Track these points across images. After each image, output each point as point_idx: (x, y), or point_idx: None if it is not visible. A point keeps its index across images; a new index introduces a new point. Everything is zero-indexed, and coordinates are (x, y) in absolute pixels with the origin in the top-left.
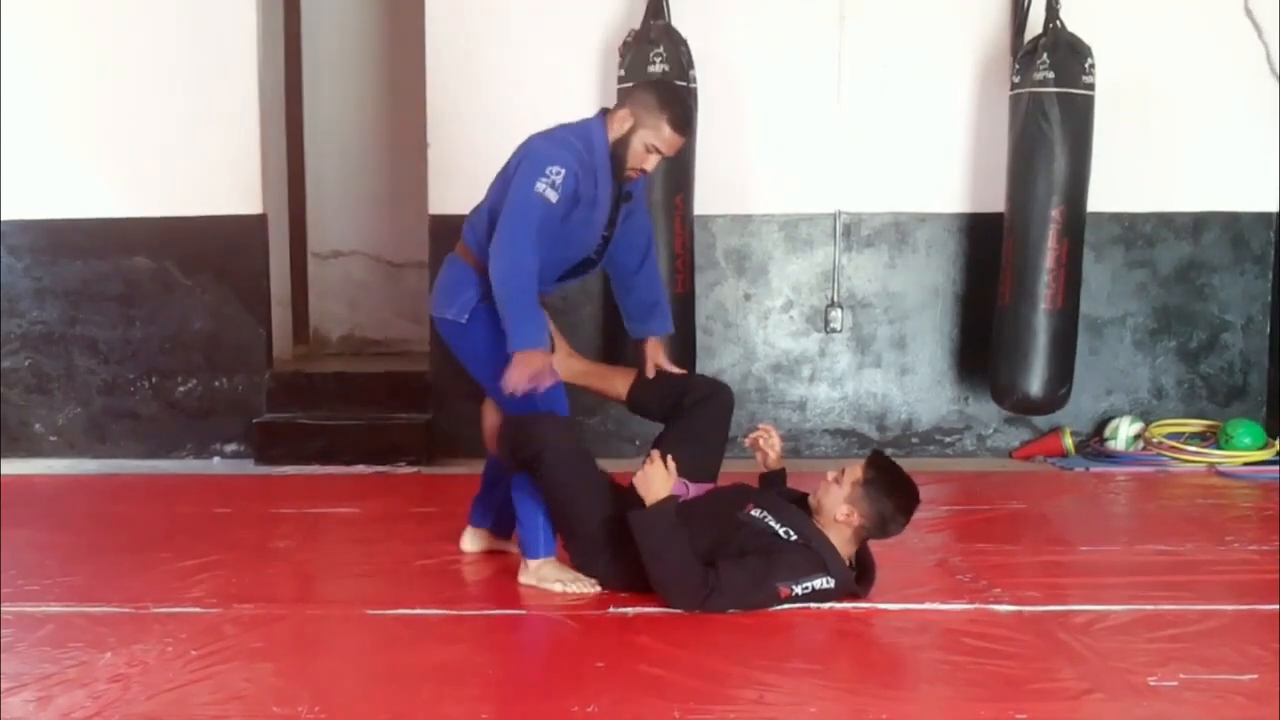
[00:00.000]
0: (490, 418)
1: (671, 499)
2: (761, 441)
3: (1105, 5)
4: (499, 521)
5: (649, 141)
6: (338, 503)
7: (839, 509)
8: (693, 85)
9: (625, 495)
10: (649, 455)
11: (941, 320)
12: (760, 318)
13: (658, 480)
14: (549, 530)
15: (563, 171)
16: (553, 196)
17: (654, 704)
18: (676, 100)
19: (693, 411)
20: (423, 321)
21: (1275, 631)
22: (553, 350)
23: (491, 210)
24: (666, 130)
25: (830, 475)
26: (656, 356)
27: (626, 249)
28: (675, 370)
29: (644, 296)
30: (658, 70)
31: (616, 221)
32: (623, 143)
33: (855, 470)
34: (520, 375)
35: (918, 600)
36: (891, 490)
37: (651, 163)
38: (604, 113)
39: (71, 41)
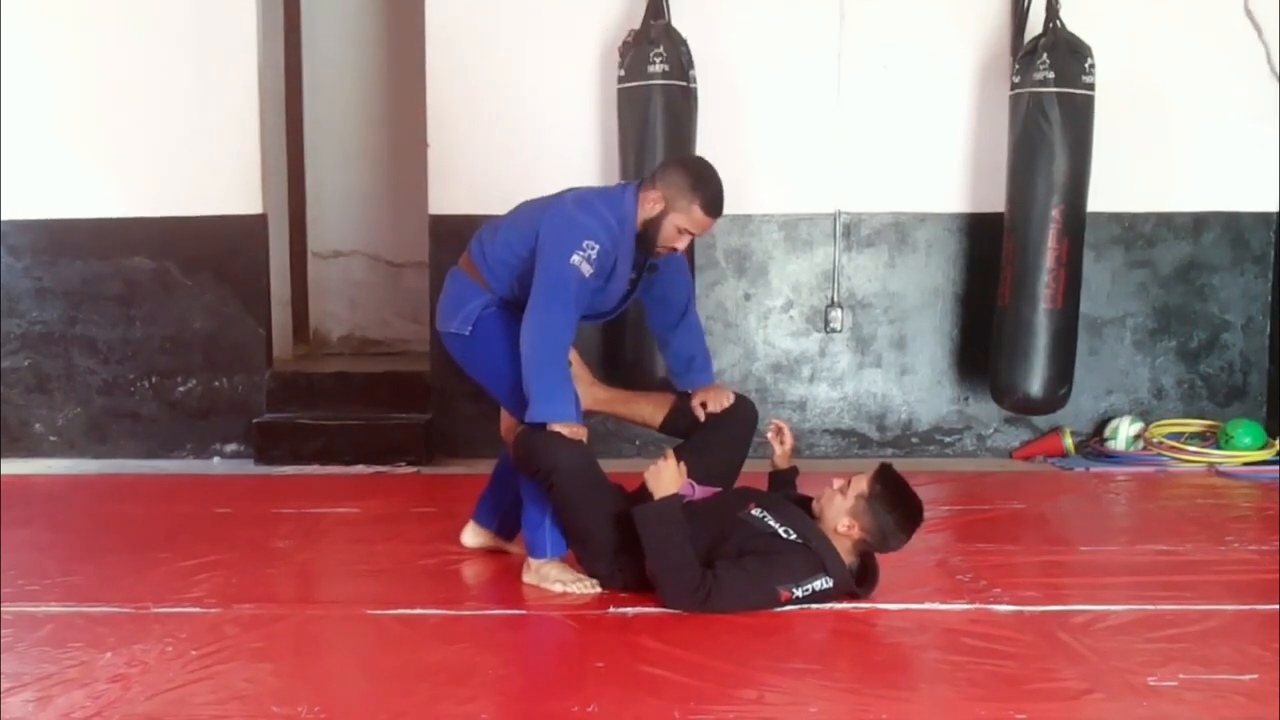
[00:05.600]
0: (509, 417)
1: (677, 496)
2: (770, 435)
3: (1105, 5)
4: (504, 523)
5: (680, 225)
6: (338, 503)
7: (840, 520)
8: (693, 85)
9: (635, 499)
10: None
11: (941, 320)
12: (760, 318)
13: (667, 476)
14: (555, 533)
15: (598, 247)
16: (587, 270)
17: (654, 704)
18: (709, 181)
19: (715, 423)
20: (423, 321)
21: (1275, 631)
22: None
23: (509, 241)
24: (698, 214)
25: (836, 484)
26: (718, 402)
27: (663, 307)
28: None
29: (681, 351)
30: (658, 70)
31: (635, 289)
32: (654, 224)
33: (861, 482)
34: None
35: (918, 600)
36: (895, 506)
37: (683, 243)
38: (637, 186)
39: (72, 42)
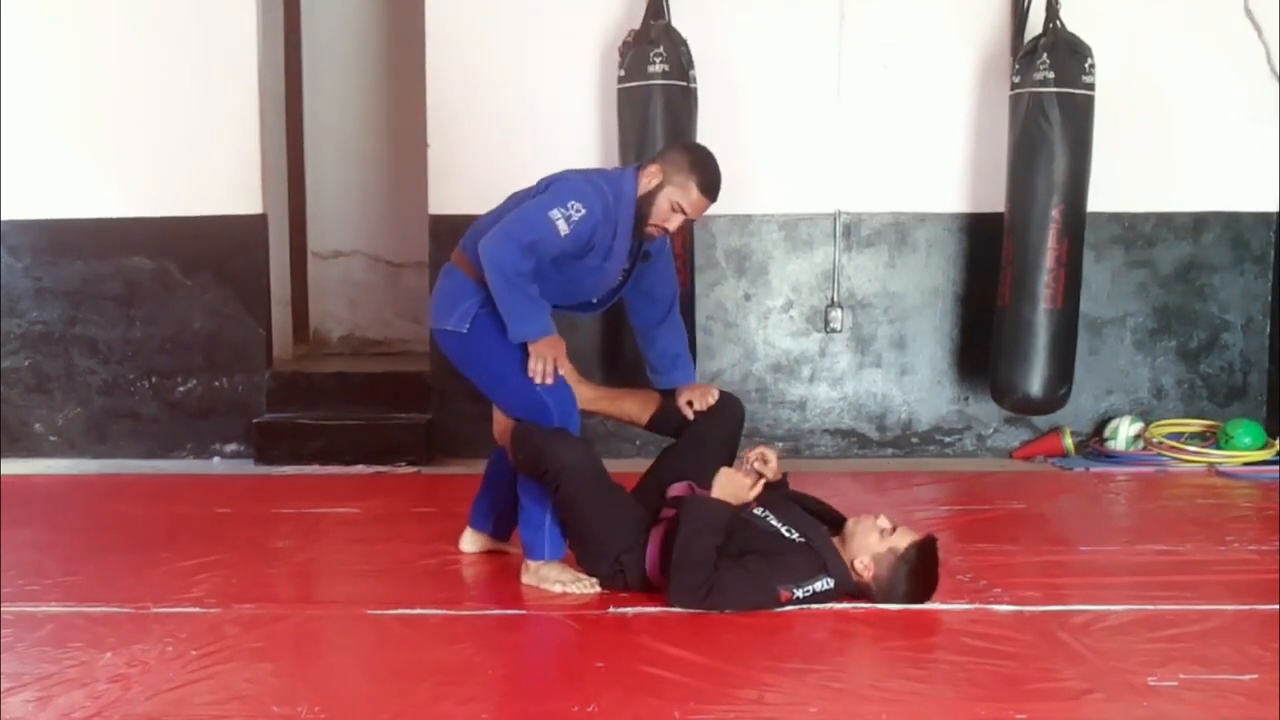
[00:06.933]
0: (503, 418)
1: (729, 505)
2: (757, 465)
3: (1105, 5)
4: (499, 524)
5: (675, 200)
6: (338, 503)
7: (862, 557)
8: (693, 85)
9: (635, 499)
10: (743, 457)
11: (941, 320)
12: (760, 318)
13: (736, 486)
14: (555, 534)
15: (584, 211)
16: (563, 229)
17: (654, 704)
18: (708, 163)
19: (704, 421)
20: (423, 321)
21: (1275, 631)
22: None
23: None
24: (694, 192)
25: (882, 521)
26: (703, 400)
27: (649, 302)
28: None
29: (666, 349)
30: (658, 70)
31: (630, 277)
32: (649, 199)
33: (902, 539)
34: (541, 366)
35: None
36: (915, 580)
37: (675, 222)
38: (636, 167)
39: (72, 42)
